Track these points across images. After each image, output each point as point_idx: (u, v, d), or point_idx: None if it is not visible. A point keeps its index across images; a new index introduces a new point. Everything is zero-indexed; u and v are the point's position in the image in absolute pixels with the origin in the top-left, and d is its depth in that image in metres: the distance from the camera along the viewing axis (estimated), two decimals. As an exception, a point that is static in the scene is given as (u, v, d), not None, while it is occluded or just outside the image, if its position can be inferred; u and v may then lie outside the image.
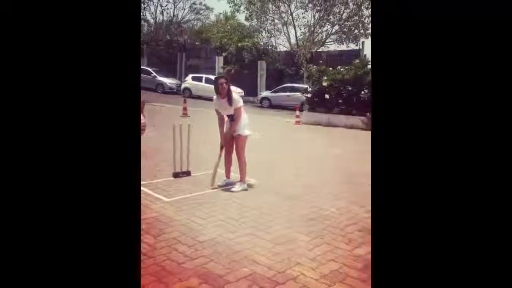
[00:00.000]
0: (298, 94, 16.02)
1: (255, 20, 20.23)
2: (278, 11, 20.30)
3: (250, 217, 3.56)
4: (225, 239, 3.05)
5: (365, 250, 2.91)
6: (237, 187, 4.42)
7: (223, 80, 4.37)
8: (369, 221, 3.59)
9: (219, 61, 22.00)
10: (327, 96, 13.03)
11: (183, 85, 20.36)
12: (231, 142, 4.54)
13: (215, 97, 4.49)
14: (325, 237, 3.18)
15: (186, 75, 21.76)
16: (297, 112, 12.76)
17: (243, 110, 4.46)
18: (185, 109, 12.30)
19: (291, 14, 20.18)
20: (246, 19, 20.23)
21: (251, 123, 4.68)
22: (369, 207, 3.95)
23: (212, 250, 2.85)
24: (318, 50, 20.43)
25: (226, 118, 4.51)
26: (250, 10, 19.81)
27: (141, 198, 3.99)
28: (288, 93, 17.73)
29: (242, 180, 4.50)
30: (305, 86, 15.23)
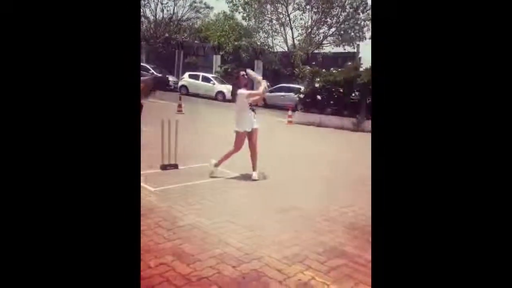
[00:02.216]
0: (293, 94, 16.31)
1: (253, 20, 20.50)
2: (276, 12, 20.57)
3: (228, 207, 3.85)
4: (202, 225, 3.33)
5: (328, 237, 3.20)
6: (255, 176, 5.00)
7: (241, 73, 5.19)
8: (335, 212, 3.90)
9: (217, 60, 22.29)
10: (319, 97, 13.34)
11: (180, 83, 20.64)
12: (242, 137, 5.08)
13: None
14: (294, 225, 3.47)
15: (183, 72, 22.07)
16: (289, 112, 13.04)
17: (237, 103, 5.03)
18: (180, 106, 12.57)
19: (288, 15, 20.48)
20: (244, 19, 20.51)
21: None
22: (336, 198, 4.28)
23: (189, 233, 3.14)
24: (315, 52, 20.71)
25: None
26: (248, 10, 20.08)
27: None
28: (283, 93, 17.98)
29: (255, 169, 5.08)
30: (300, 86, 15.53)
